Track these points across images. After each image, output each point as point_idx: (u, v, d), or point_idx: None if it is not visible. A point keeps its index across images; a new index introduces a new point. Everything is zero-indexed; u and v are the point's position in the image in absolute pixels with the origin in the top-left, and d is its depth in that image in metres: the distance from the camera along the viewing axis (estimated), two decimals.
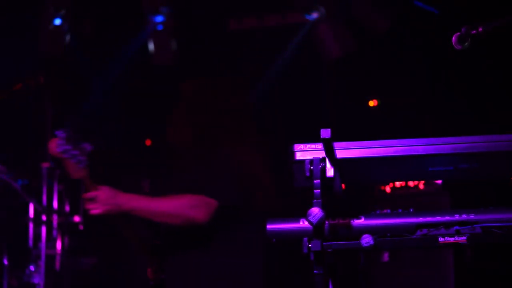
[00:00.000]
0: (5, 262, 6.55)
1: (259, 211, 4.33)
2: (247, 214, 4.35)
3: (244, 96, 4.70)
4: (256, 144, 4.54)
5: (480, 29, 2.84)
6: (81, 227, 7.21)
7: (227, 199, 4.24)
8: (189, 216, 4.18)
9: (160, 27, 7.96)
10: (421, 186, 6.74)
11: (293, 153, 2.96)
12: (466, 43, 2.87)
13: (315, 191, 2.86)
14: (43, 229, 6.81)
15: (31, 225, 6.83)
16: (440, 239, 2.85)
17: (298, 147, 2.97)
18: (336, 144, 2.91)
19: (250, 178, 4.38)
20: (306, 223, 2.89)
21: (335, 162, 2.90)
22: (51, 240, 6.92)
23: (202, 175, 4.31)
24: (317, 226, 2.81)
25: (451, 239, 2.84)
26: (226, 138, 4.45)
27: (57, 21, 7.81)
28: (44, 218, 6.84)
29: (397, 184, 6.82)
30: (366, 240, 2.83)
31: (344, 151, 2.94)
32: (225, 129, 4.46)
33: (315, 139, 2.89)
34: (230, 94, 4.59)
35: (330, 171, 2.90)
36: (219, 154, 4.37)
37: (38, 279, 6.57)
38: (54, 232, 6.94)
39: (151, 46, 8.05)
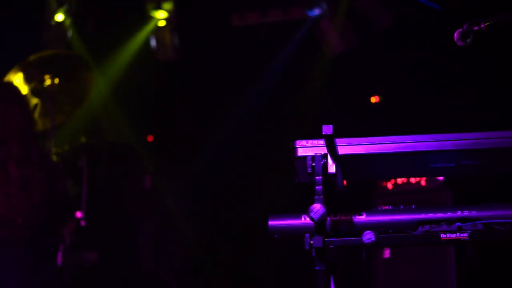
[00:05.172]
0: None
1: None
2: None
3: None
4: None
5: (482, 25, 2.84)
6: (83, 222, 7.20)
7: None
8: None
9: (162, 23, 7.96)
10: (423, 183, 6.73)
11: (295, 149, 2.96)
12: (469, 40, 2.87)
13: (316, 187, 2.85)
14: None
15: None
16: (442, 235, 2.85)
17: (299, 143, 2.96)
18: (338, 141, 2.91)
19: None
20: (308, 219, 2.89)
21: (337, 158, 2.90)
22: None
23: None
24: (319, 223, 2.81)
25: (453, 236, 2.84)
26: None
27: (60, 17, 7.79)
28: None
29: (399, 180, 6.80)
30: (368, 236, 2.82)
31: (345, 147, 2.94)
32: None
33: (316, 135, 2.89)
34: None
35: (332, 168, 2.90)
36: None
37: None
38: None
39: (153, 42, 8.05)
